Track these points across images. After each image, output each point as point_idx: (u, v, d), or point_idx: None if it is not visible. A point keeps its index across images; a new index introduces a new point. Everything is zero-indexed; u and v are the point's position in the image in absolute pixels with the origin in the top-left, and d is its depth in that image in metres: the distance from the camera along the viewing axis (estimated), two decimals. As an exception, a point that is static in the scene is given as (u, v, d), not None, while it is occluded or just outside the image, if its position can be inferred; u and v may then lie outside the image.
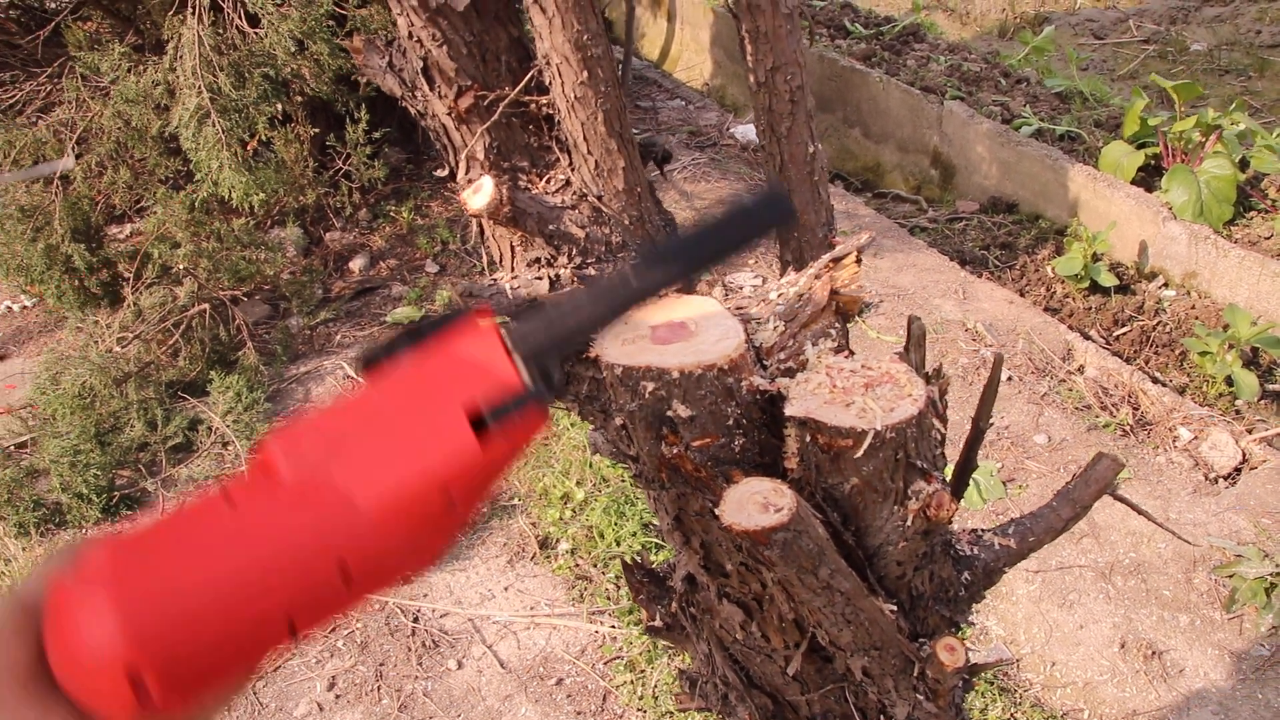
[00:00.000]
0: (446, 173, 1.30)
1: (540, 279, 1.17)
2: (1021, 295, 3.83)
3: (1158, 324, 3.55)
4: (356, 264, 4.40)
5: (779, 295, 1.03)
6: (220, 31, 3.61)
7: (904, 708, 1.10)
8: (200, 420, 3.46)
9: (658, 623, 1.37)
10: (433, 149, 2.90)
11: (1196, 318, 3.49)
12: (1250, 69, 5.58)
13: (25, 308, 4.49)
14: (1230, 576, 2.52)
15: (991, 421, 1.15)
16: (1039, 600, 2.55)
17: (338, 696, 2.52)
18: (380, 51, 1.25)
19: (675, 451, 0.91)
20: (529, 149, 1.25)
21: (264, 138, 3.79)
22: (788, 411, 0.89)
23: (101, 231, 3.99)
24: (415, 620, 2.71)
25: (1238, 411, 3.17)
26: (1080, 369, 3.33)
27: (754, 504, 0.87)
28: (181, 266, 3.69)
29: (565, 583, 2.77)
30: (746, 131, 5.23)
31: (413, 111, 1.27)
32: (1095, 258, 3.76)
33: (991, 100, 4.68)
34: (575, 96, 1.12)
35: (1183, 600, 2.51)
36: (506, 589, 2.78)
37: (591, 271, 1.20)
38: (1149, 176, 3.98)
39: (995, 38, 6.51)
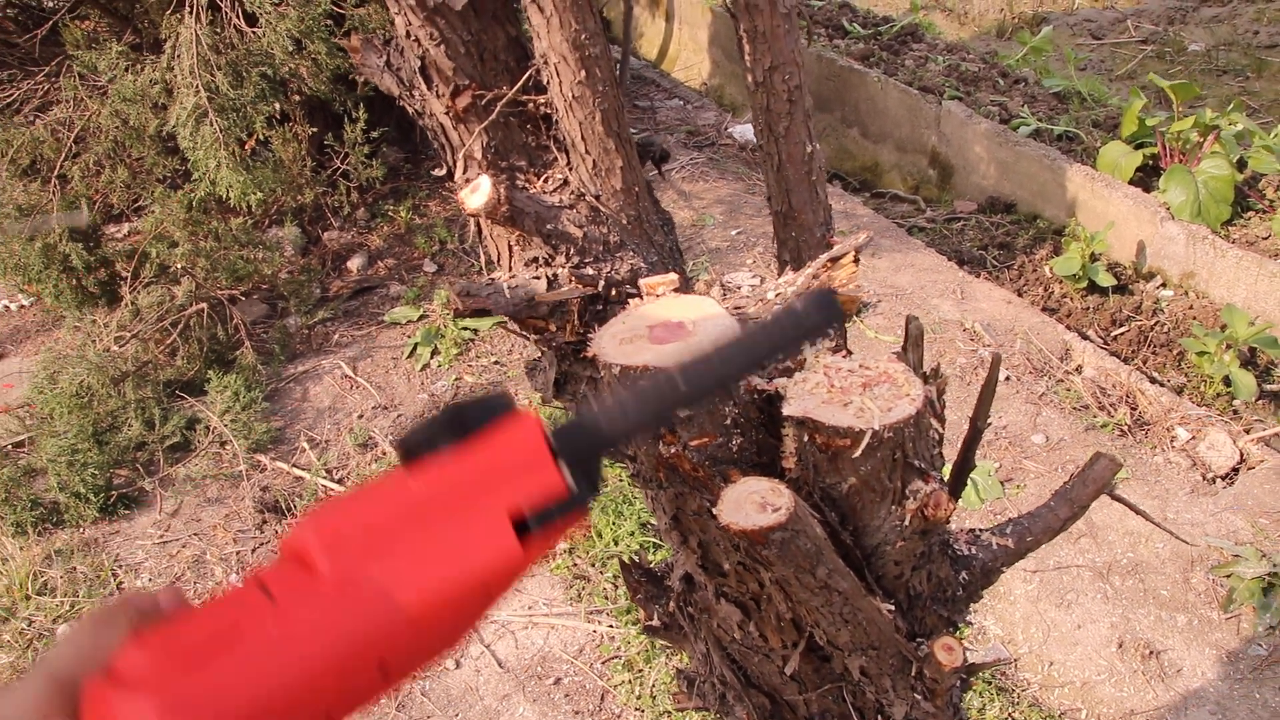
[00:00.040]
0: (444, 172, 1.30)
1: (538, 278, 1.17)
2: (1019, 295, 3.83)
3: (1155, 324, 3.56)
4: (354, 263, 4.39)
5: (777, 295, 1.03)
6: (218, 31, 3.60)
7: (902, 707, 1.10)
8: (198, 419, 3.46)
9: (655, 622, 1.37)
10: (430, 148, 2.90)
11: (1194, 318, 3.49)
12: (1248, 69, 5.58)
13: (23, 307, 4.48)
14: (1228, 576, 2.53)
15: (989, 421, 1.15)
16: (1037, 600, 2.55)
17: (335, 696, 2.52)
18: (378, 51, 1.25)
19: (673, 451, 0.92)
20: (527, 148, 1.25)
21: (262, 137, 3.78)
22: (785, 411, 0.89)
23: (99, 230, 3.99)
24: (413, 620, 2.71)
25: (1235, 411, 3.17)
26: (1078, 369, 3.33)
27: (752, 503, 0.87)
28: (179, 266, 3.69)
29: (563, 582, 2.77)
30: (744, 131, 5.23)
31: (410, 111, 1.27)
32: (1093, 258, 3.76)
33: (990, 100, 4.68)
34: (573, 96, 1.12)
35: (1180, 600, 2.52)
36: (504, 588, 2.78)
37: (589, 271, 1.20)
38: (1147, 177, 3.99)
39: (993, 38, 6.51)
